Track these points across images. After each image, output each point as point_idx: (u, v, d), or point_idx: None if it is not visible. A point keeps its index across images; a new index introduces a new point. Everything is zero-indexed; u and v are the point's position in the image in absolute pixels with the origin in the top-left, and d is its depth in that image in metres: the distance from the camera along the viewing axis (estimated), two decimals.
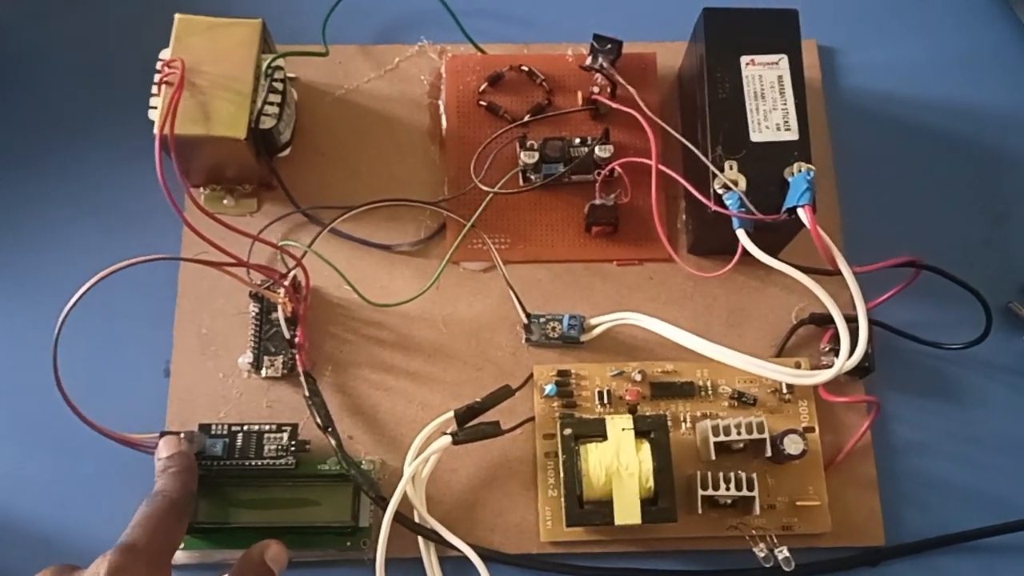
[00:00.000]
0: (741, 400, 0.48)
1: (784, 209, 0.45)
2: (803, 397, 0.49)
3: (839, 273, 0.44)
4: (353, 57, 0.54)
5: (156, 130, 0.44)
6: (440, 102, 0.54)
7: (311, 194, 0.52)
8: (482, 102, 0.53)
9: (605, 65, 0.51)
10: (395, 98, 0.54)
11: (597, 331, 0.49)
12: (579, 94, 0.53)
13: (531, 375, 0.49)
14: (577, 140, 0.52)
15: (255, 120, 0.47)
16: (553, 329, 0.49)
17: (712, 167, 0.46)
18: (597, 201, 0.51)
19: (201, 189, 0.52)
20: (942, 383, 0.50)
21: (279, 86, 0.48)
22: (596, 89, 0.52)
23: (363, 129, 0.53)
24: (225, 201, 0.51)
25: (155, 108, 0.46)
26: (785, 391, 0.48)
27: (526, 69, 0.53)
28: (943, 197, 0.54)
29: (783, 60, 0.48)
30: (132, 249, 0.42)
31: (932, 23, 0.57)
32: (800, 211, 0.44)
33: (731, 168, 0.46)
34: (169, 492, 0.41)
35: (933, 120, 0.55)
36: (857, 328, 0.44)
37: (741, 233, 0.45)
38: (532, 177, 0.51)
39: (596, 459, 0.44)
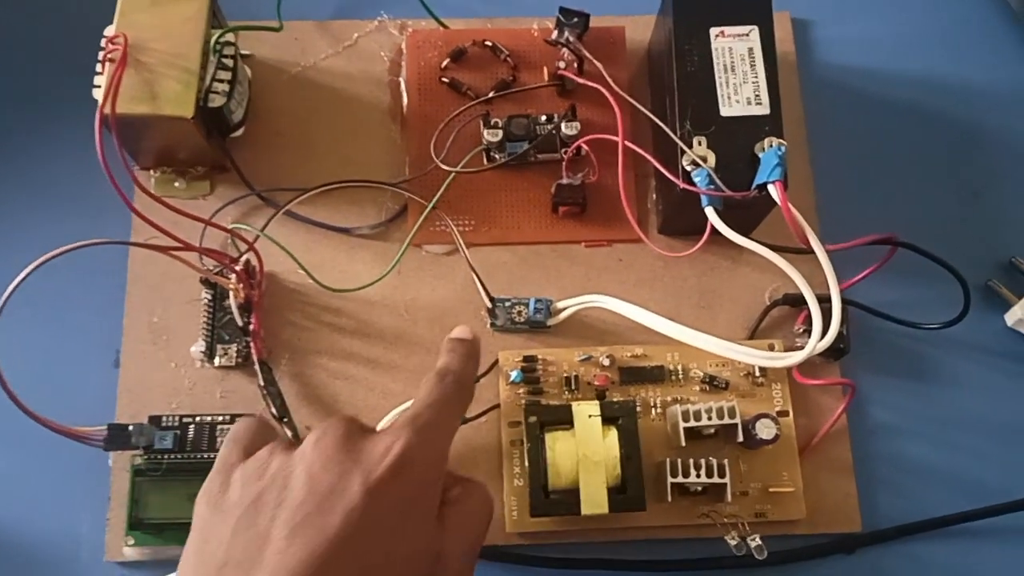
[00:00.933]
0: (713, 384, 0.47)
1: (754, 186, 0.43)
2: (776, 380, 0.47)
3: (812, 252, 0.43)
4: (310, 33, 0.52)
5: (97, 109, 0.42)
6: (401, 79, 0.52)
7: (267, 176, 0.50)
8: (444, 79, 0.51)
9: (571, 39, 0.50)
10: (354, 75, 0.52)
11: (564, 315, 0.48)
12: (545, 70, 0.51)
13: (496, 361, 0.47)
14: (543, 117, 0.50)
15: (203, 98, 0.45)
16: (519, 313, 0.48)
17: (680, 143, 0.44)
18: (564, 180, 0.49)
19: (152, 171, 0.50)
20: (919, 364, 0.49)
21: (229, 63, 0.46)
22: (562, 64, 0.50)
23: (321, 108, 0.51)
24: (176, 184, 0.49)
25: (99, 87, 0.44)
26: (758, 374, 0.47)
27: (490, 44, 0.51)
28: (920, 174, 0.52)
29: (754, 32, 0.46)
30: (81, 234, 0.40)
31: None
32: (771, 188, 0.42)
33: (700, 144, 0.44)
34: (457, 374, 0.39)
35: (910, 95, 0.54)
36: (831, 308, 0.42)
37: (710, 211, 0.43)
38: (496, 156, 0.50)
39: (562, 447, 0.42)
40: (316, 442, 0.34)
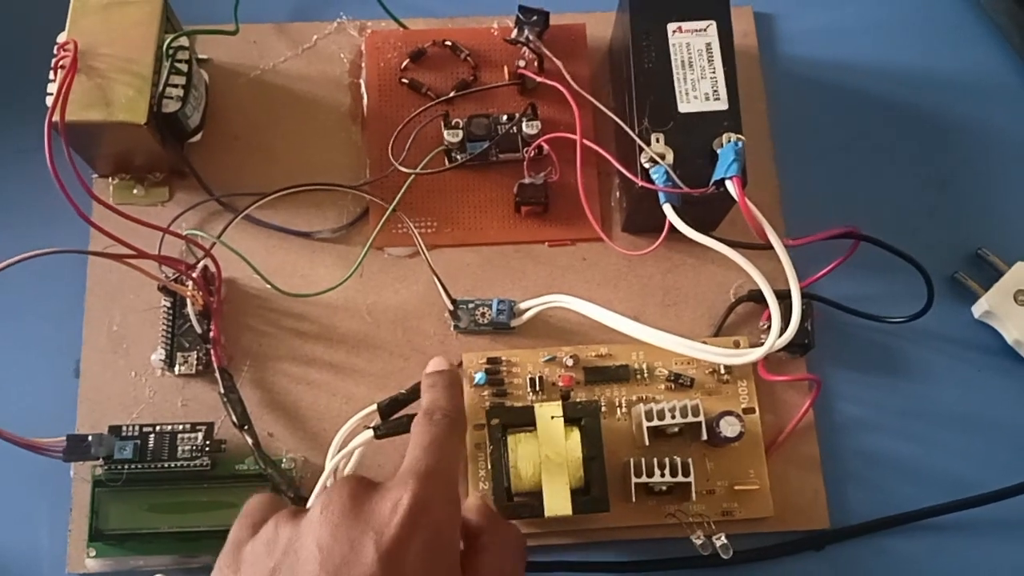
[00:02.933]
0: (678, 382, 0.46)
1: (712, 182, 0.43)
2: (742, 377, 0.47)
3: (772, 247, 0.42)
4: (268, 36, 0.52)
5: (47, 117, 0.41)
6: (361, 81, 0.51)
7: (226, 181, 0.49)
8: (404, 79, 0.51)
9: (531, 38, 0.49)
10: (313, 78, 0.51)
11: (527, 316, 0.47)
12: (506, 69, 0.51)
13: (460, 363, 0.47)
14: (504, 117, 0.50)
15: (157, 104, 0.44)
16: (482, 315, 0.47)
17: (638, 140, 0.44)
18: (526, 180, 0.49)
19: (110, 178, 0.49)
20: (886, 358, 0.49)
21: (183, 67, 0.45)
22: (522, 63, 0.50)
23: (280, 111, 0.51)
24: (135, 190, 0.49)
25: (52, 95, 0.43)
26: (723, 372, 0.47)
27: (450, 44, 0.51)
28: (887, 165, 0.52)
29: (711, 27, 0.46)
30: (39, 244, 0.40)
31: None
32: (728, 183, 0.42)
33: (658, 141, 0.44)
34: (446, 410, 0.38)
35: (875, 86, 0.53)
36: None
37: (668, 208, 0.43)
38: (457, 157, 0.49)
39: (524, 449, 0.42)
40: (323, 510, 0.32)
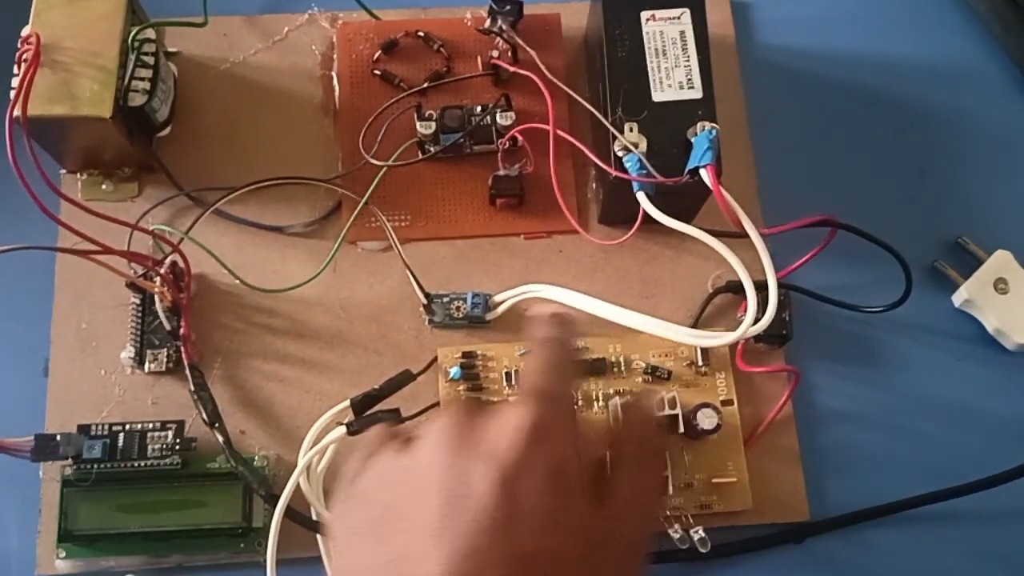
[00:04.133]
0: (655, 375, 0.46)
1: (686, 170, 0.42)
2: (720, 369, 0.46)
3: (748, 236, 0.42)
4: (238, 28, 0.51)
5: (8, 111, 0.40)
6: (333, 73, 0.50)
7: (197, 175, 0.48)
8: (376, 71, 0.50)
9: (505, 28, 0.48)
10: (285, 70, 0.51)
11: (502, 308, 0.47)
12: (479, 60, 0.50)
13: (435, 358, 0.46)
14: (478, 108, 0.49)
15: (122, 97, 0.43)
16: (457, 309, 0.47)
17: (612, 129, 0.43)
18: (501, 172, 0.48)
19: (79, 174, 0.48)
20: (864, 348, 0.48)
21: (149, 60, 0.44)
22: (496, 53, 0.49)
23: (251, 104, 0.50)
24: (104, 186, 0.48)
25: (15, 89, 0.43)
26: (701, 364, 0.46)
27: (422, 35, 0.50)
28: (865, 154, 0.52)
29: (685, 14, 0.45)
30: (8, 242, 0.39)
31: None
32: (702, 172, 0.41)
33: (632, 130, 0.43)
34: (559, 340, 0.35)
35: (853, 74, 0.53)
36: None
37: (642, 196, 0.42)
38: (431, 149, 0.49)
39: None
40: (436, 439, 0.31)
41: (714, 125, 0.43)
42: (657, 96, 0.44)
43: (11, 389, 0.46)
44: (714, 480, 0.44)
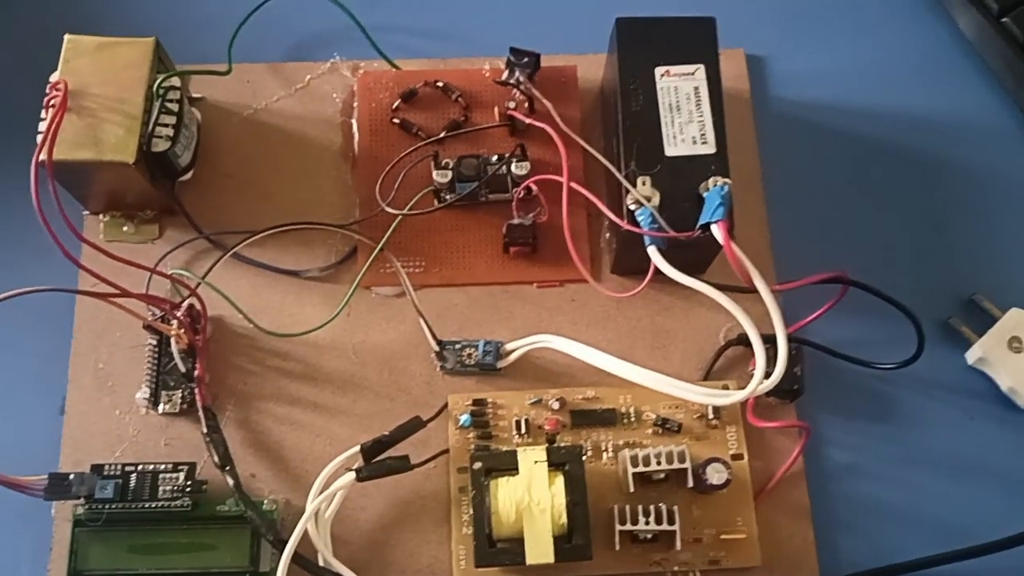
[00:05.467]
0: (665, 427, 0.46)
1: (698, 226, 0.42)
2: (731, 423, 0.46)
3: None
4: (262, 75, 0.52)
5: (34, 156, 0.41)
6: (352, 120, 0.51)
7: (217, 219, 0.49)
8: (395, 119, 0.51)
9: (522, 79, 0.49)
10: (306, 117, 0.52)
11: (514, 357, 0.47)
12: (496, 110, 0.51)
13: (445, 405, 0.46)
14: (494, 158, 0.50)
15: (146, 143, 0.44)
16: (469, 356, 0.47)
17: (624, 182, 0.44)
18: (515, 221, 0.49)
19: (101, 215, 0.49)
20: (877, 404, 0.48)
21: (173, 107, 0.45)
22: (512, 104, 0.50)
23: (272, 150, 0.51)
24: (125, 228, 0.49)
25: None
26: (711, 417, 0.46)
27: (441, 84, 0.51)
28: (880, 208, 0.52)
29: (700, 70, 0.46)
30: (30, 282, 0.40)
31: (866, 28, 0.55)
32: (713, 227, 0.42)
33: (644, 184, 0.44)
34: None
35: (867, 129, 0.53)
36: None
37: (652, 250, 0.43)
38: (447, 197, 0.49)
39: (506, 494, 0.42)
40: None
41: (727, 180, 0.43)
42: (670, 151, 0.44)
43: (28, 427, 0.46)
44: (723, 536, 0.44)
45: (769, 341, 0.42)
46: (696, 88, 0.45)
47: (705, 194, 0.43)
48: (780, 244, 0.50)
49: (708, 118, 0.45)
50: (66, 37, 0.45)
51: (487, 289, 0.49)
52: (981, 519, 0.46)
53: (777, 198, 0.51)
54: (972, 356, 0.48)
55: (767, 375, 0.41)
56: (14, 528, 0.45)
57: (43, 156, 0.42)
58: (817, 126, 0.53)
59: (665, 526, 0.42)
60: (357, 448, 0.43)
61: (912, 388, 0.48)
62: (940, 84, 0.55)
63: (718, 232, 0.41)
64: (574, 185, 0.45)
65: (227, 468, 0.43)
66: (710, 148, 0.44)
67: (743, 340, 0.48)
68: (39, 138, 0.43)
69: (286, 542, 0.42)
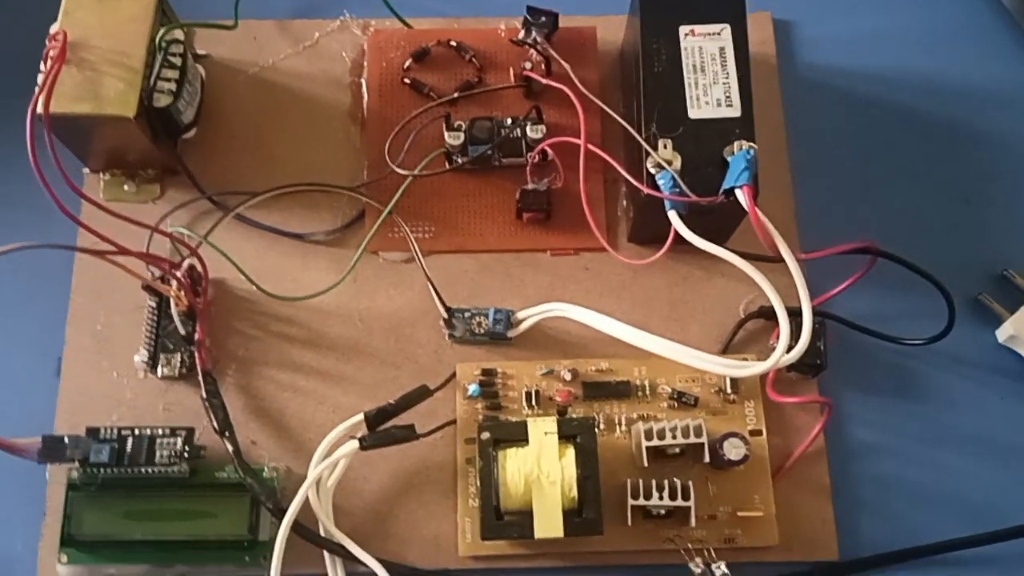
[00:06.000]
0: (681, 401, 0.44)
1: (721, 190, 0.40)
2: (749, 398, 0.44)
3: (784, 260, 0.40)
4: (269, 32, 0.51)
5: (29, 108, 0.40)
6: (362, 80, 0.50)
7: (220, 179, 0.48)
8: (406, 80, 0.49)
9: (539, 40, 0.47)
10: (314, 76, 0.50)
11: (525, 326, 0.45)
12: (511, 71, 0.49)
13: (453, 374, 0.45)
14: (508, 120, 0.48)
15: (147, 97, 0.43)
16: (478, 324, 0.46)
17: (645, 145, 0.42)
18: (529, 186, 0.47)
19: (102, 174, 0.48)
20: (903, 381, 0.46)
21: (176, 61, 0.44)
22: (529, 65, 0.48)
23: (278, 110, 0.49)
24: (126, 187, 0.48)
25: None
26: (729, 391, 0.44)
27: (454, 44, 0.49)
28: (908, 179, 0.50)
29: (725, 30, 0.44)
30: (28, 238, 0.38)
31: None
32: (738, 192, 0.40)
33: (665, 147, 0.42)
34: None
35: (897, 96, 0.51)
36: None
37: (673, 215, 0.41)
38: (459, 160, 0.47)
39: (514, 465, 0.40)
40: None
41: (752, 144, 0.41)
42: (693, 113, 0.43)
43: (23, 389, 0.45)
44: (739, 513, 0.42)
45: (791, 314, 0.40)
46: (722, 48, 0.43)
47: (729, 158, 0.41)
48: (805, 214, 0.48)
49: (734, 80, 0.43)
50: None
51: (499, 256, 0.47)
52: (1009, 502, 0.44)
53: (802, 167, 0.49)
54: (1003, 334, 0.46)
55: (790, 347, 0.39)
56: (7, 491, 0.43)
57: (40, 109, 0.40)
58: (845, 93, 0.51)
59: (680, 502, 0.41)
60: (361, 416, 0.42)
61: (939, 366, 0.46)
62: (974, 52, 0.52)
63: (743, 197, 0.40)
64: (592, 147, 0.43)
65: (226, 434, 0.42)
66: (735, 111, 0.43)
67: (764, 313, 0.46)
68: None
69: (286, 511, 0.40)
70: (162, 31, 0.43)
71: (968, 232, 0.49)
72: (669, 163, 0.41)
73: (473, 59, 0.49)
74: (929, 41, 0.52)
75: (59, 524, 0.41)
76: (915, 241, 0.46)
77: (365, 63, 0.50)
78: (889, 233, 0.46)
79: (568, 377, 0.44)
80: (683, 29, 0.44)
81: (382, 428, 0.42)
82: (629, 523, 0.41)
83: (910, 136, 0.51)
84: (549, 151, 0.46)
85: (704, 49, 0.44)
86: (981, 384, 0.46)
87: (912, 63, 0.52)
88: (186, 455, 0.42)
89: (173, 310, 0.43)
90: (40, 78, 0.42)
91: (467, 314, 0.46)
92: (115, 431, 0.42)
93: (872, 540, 0.44)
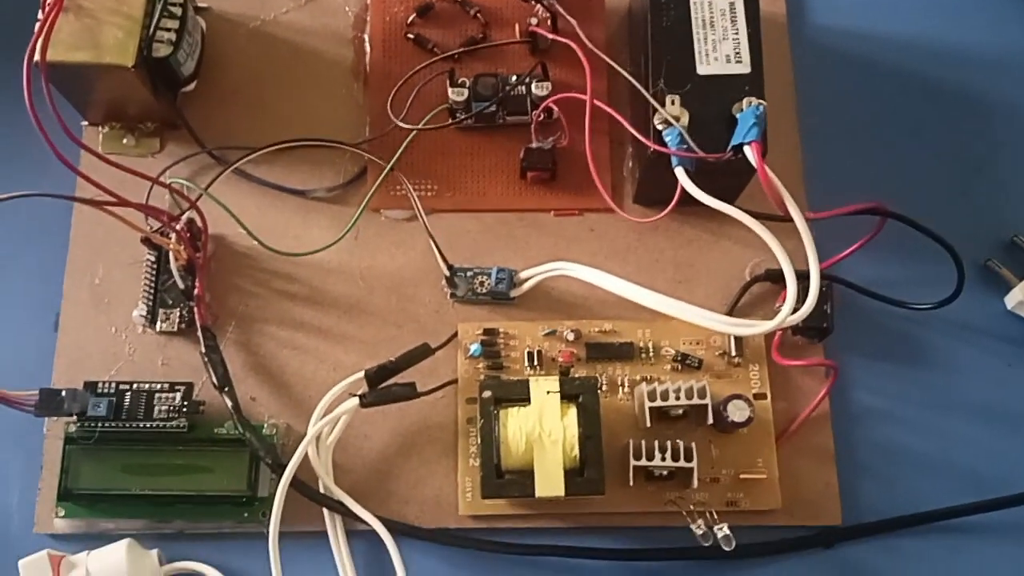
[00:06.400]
0: (685, 363, 0.44)
1: (729, 147, 0.40)
2: (754, 361, 0.44)
3: (791, 220, 0.39)
4: None
5: (26, 55, 0.39)
6: (365, 35, 0.49)
7: (220, 134, 0.47)
8: (410, 35, 0.48)
9: None
10: (316, 31, 0.49)
11: (528, 285, 0.45)
12: (517, 27, 0.48)
13: (455, 334, 0.44)
14: (513, 77, 0.47)
15: (146, 47, 0.42)
16: (481, 284, 0.45)
17: (652, 100, 0.41)
18: (533, 144, 0.46)
19: (100, 127, 0.47)
20: (909, 346, 0.46)
21: (176, 11, 0.43)
22: (534, 21, 0.47)
23: (280, 64, 0.49)
24: (125, 140, 0.47)
25: None
26: (734, 354, 0.44)
27: None
28: (918, 144, 0.49)
29: None
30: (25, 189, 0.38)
31: None
32: (746, 149, 0.39)
33: (673, 103, 0.41)
34: None
35: (909, 60, 0.50)
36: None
37: (680, 172, 0.40)
38: (462, 116, 0.47)
39: (516, 424, 0.40)
40: None
41: (761, 101, 0.40)
42: (702, 69, 0.42)
43: (20, 342, 0.45)
44: (742, 476, 0.42)
45: (799, 276, 0.39)
46: (732, 3, 0.42)
47: (738, 115, 0.40)
48: (812, 176, 0.47)
49: (744, 35, 0.42)
50: None
51: (502, 216, 0.47)
52: (1014, 470, 0.44)
53: (811, 129, 0.48)
54: (1012, 300, 0.46)
55: (796, 308, 0.39)
56: (4, 444, 0.43)
57: (37, 56, 0.40)
58: (856, 54, 0.50)
59: (682, 463, 0.40)
60: (362, 374, 0.41)
61: (947, 332, 0.46)
62: (988, 18, 0.51)
63: (751, 154, 0.39)
64: (599, 103, 0.43)
65: (226, 390, 0.41)
66: (745, 67, 0.42)
67: (770, 276, 0.45)
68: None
69: (285, 467, 0.40)
70: None
71: (978, 199, 0.48)
72: (677, 119, 0.40)
73: (478, 14, 0.48)
74: (943, 6, 0.51)
75: (56, 478, 0.41)
76: (924, 207, 0.45)
77: (368, 18, 0.49)
78: (898, 198, 0.45)
79: (571, 338, 0.44)
80: None
81: (383, 386, 0.41)
82: (631, 484, 0.41)
83: (921, 101, 0.50)
84: (555, 109, 0.46)
85: (714, 4, 0.43)
86: (988, 351, 0.46)
87: (925, 26, 0.51)
88: (185, 410, 0.41)
89: (172, 264, 0.43)
90: (37, 25, 0.41)
91: (469, 273, 0.45)
92: (113, 385, 0.42)
93: (874, 506, 0.43)
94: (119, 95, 0.45)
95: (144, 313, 0.44)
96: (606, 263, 0.46)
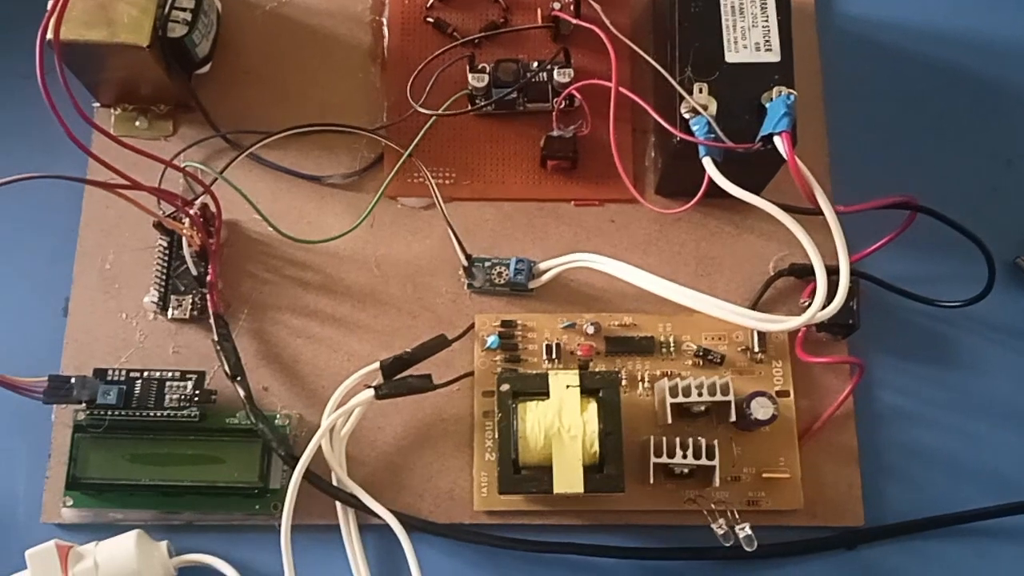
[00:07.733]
0: (707, 359, 0.43)
1: (759, 137, 0.39)
2: (777, 357, 0.43)
3: (820, 213, 0.38)
4: None
5: (39, 33, 0.38)
6: (383, 18, 0.48)
7: (235, 117, 0.46)
8: (429, 19, 0.47)
9: None
10: (334, 13, 0.48)
11: (547, 276, 0.44)
12: (539, 12, 0.47)
13: (472, 325, 0.43)
14: (535, 64, 0.46)
15: (162, 27, 0.41)
16: (499, 274, 0.44)
17: (679, 88, 0.40)
18: (554, 132, 0.45)
19: (112, 108, 0.46)
20: (936, 345, 0.45)
21: None
22: (557, 5, 0.46)
23: (296, 47, 0.47)
24: (138, 123, 0.46)
25: None
26: (757, 350, 0.43)
27: None
28: (948, 137, 0.48)
29: None
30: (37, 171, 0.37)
31: None
32: (776, 139, 0.38)
33: (701, 91, 0.40)
34: None
35: (940, 52, 0.49)
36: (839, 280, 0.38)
37: (707, 162, 0.39)
38: (482, 103, 0.46)
39: (534, 418, 0.39)
40: None
41: (792, 91, 0.39)
42: (731, 57, 0.41)
43: (29, 327, 0.44)
44: (764, 475, 0.41)
45: (827, 272, 0.39)
46: None
47: (768, 104, 0.39)
48: (839, 169, 0.46)
49: (774, 23, 0.41)
50: None
51: (521, 205, 0.46)
52: None
53: (838, 120, 0.47)
54: None
55: (825, 304, 0.38)
56: (12, 431, 0.42)
57: (50, 34, 0.39)
58: (885, 45, 0.49)
59: (704, 461, 0.39)
60: (377, 365, 0.40)
61: (975, 331, 0.45)
62: (1019, 9, 0.50)
63: (781, 144, 0.38)
64: (624, 91, 0.42)
65: (238, 379, 0.40)
66: (774, 56, 0.41)
67: (795, 271, 0.44)
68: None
69: (298, 458, 0.39)
70: None
71: (1008, 194, 0.47)
72: (704, 108, 0.39)
73: None
74: None
75: (64, 467, 0.40)
76: (953, 202, 0.44)
77: (386, 1, 0.48)
78: (925, 192, 0.44)
79: (590, 331, 0.43)
80: None
81: (398, 377, 0.40)
82: (651, 481, 0.40)
83: (951, 94, 0.49)
84: (577, 96, 0.45)
85: None
86: (1017, 351, 0.45)
87: (956, 18, 0.50)
88: (196, 399, 0.40)
89: (185, 250, 0.42)
90: (50, 2, 0.40)
91: (487, 263, 0.44)
92: (124, 373, 0.41)
93: (898, 507, 0.42)
94: (133, 75, 0.44)
95: (156, 299, 0.43)
96: (627, 255, 0.45)
